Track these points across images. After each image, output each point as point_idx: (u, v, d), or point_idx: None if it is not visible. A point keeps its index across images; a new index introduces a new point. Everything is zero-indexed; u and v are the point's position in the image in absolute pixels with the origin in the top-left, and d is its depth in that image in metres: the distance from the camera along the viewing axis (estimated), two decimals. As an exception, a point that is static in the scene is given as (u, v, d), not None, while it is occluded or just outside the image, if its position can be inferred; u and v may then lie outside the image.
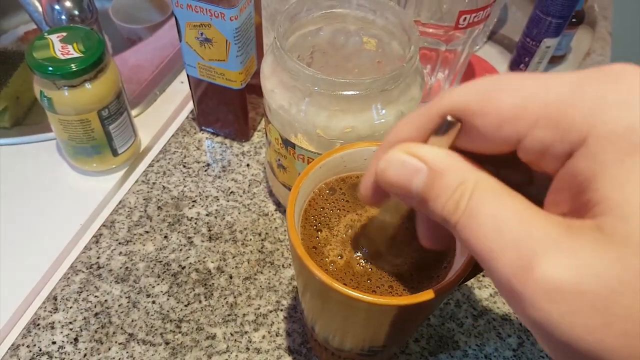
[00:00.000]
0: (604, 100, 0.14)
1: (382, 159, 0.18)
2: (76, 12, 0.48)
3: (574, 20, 0.50)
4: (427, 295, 0.21)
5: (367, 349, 0.27)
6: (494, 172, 0.16)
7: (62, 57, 0.39)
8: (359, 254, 0.24)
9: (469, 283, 0.37)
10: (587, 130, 0.14)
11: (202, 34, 0.36)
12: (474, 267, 0.22)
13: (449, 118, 0.17)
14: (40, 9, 0.50)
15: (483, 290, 0.37)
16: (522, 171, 0.18)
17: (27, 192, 0.43)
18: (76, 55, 0.39)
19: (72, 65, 0.38)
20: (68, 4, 0.47)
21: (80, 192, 0.43)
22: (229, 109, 0.42)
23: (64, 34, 0.40)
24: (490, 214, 0.15)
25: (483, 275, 0.38)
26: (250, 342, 0.34)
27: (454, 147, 0.17)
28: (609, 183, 0.13)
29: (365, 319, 0.23)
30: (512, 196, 0.15)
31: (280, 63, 0.30)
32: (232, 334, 0.34)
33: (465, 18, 0.37)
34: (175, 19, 0.36)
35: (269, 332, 0.34)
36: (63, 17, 0.47)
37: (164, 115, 0.50)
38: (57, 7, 0.47)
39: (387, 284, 0.23)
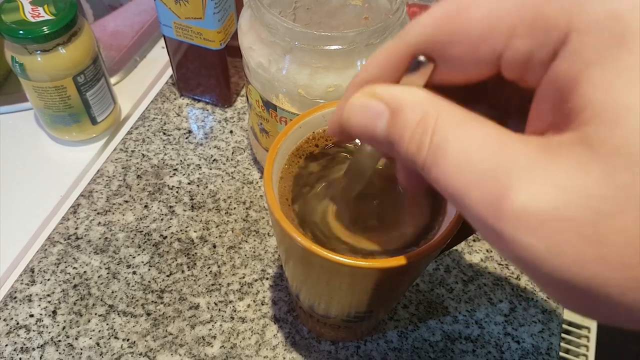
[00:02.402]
0: None
1: (346, 104, 0.16)
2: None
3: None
4: (410, 258, 0.20)
5: (353, 314, 0.26)
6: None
7: (33, 20, 0.37)
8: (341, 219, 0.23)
9: (458, 248, 0.36)
10: (567, 26, 0.12)
11: (176, -11, 0.34)
12: (463, 230, 0.21)
13: (420, 58, 0.15)
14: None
15: (474, 255, 0.36)
16: (499, 107, 0.16)
17: (5, 164, 0.42)
18: (48, 17, 0.37)
19: (44, 28, 0.36)
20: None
21: (59, 163, 0.42)
22: (209, 73, 0.40)
23: (34, -5, 0.38)
24: (456, 147, 0.13)
25: (474, 240, 0.37)
26: (235, 311, 0.33)
27: (432, 84, 0.15)
28: (592, 85, 0.11)
29: (349, 283, 0.22)
30: (480, 123, 0.13)
31: (258, 17, 0.28)
32: (216, 304, 0.33)
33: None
34: (148, -27, 0.34)
35: (254, 301, 0.33)
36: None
37: (145, 82, 0.48)
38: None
39: (371, 247, 0.22)
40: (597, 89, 0.11)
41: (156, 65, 0.49)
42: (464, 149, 0.13)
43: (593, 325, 0.69)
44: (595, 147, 0.11)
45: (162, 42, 0.52)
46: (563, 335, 0.72)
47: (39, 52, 0.37)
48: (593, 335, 0.68)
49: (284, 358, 0.31)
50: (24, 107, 0.46)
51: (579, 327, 0.68)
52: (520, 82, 0.14)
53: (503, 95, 0.15)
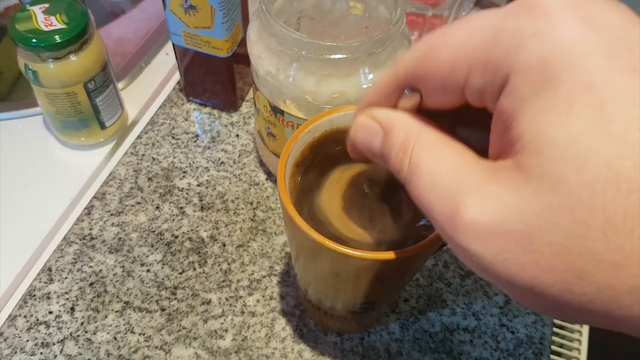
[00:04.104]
0: (522, 33, 0.14)
1: (353, 124, 0.19)
2: (57, -17, 0.46)
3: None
4: (411, 251, 0.21)
5: (359, 305, 0.28)
6: (453, 130, 0.17)
7: (46, 29, 0.38)
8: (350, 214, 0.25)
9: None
10: (508, 68, 0.14)
11: (187, 1, 0.35)
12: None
13: (406, 91, 0.18)
14: (19, -20, 0.49)
15: (470, 251, 0.38)
16: (482, 127, 0.18)
17: (16, 167, 0.43)
18: (60, 26, 0.38)
19: (56, 36, 0.38)
20: (48, -26, 0.46)
21: (69, 166, 0.43)
22: (216, 79, 0.42)
23: (47, 5, 0.39)
24: (426, 169, 0.16)
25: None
26: (245, 306, 0.34)
27: (422, 108, 0.18)
28: (525, 118, 0.13)
29: (355, 274, 0.24)
30: (449, 147, 0.16)
31: (267, 28, 0.30)
32: (227, 299, 0.35)
33: (451, -18, 0.37)
34: (159, -14, 0.35)
35: (263, 296, 0.35)
36: (44, -13, 0.46)
37: (150, 87, 0.50)
38: (36, -23, 0.46)
39: (374, 241, 0.24)
40: (528, 123, 0.13)
41: (161, 71, 0.51)
42: (432, 170, 0.15)
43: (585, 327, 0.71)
44: (526, 172, 0.13)
45: (166, 49, 0.54)
46: (556, 330, 0.74)
47: (51, 59, 0.39)
48: (585, 331, 0.70)
49: (293, 349, 0.33)
50: (32, 112, 0.48)
51: (572, 331, 0.70)
52: (487, 108, 0.16)
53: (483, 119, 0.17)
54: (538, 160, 0.13)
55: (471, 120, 0.18)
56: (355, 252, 0.21)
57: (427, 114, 0.18)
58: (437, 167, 0.15)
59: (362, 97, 0.20)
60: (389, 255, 0.21)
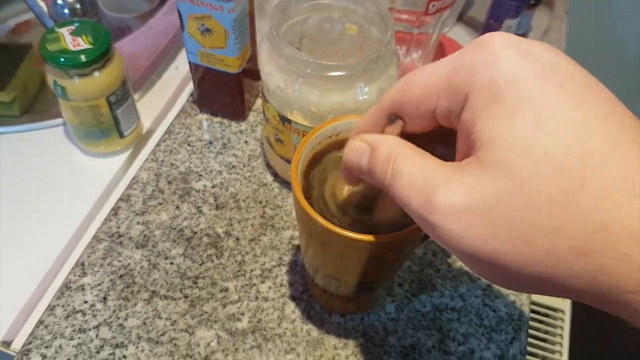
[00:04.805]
0: (475, 64, 0.18)
1: (346, 146, 0.24)
2: (78, 6, 0.51)
3: (532, 1, 0.56)
4: (402, 234, 0.26)
5: (360, 285, 0.33)
6: (428, 149, 0.21)
7: (73, 49, 0.42)
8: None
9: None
10: (467, 90, 0.18)
11: (203, 24, 0.40)
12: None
13: (392, 118, 0.23)
14: (40, 3, 0.54)
15: (456, 241, 0.43)
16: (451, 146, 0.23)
17: (42, 173, 0.47)
18: (86, 46, 0.42)
19: (83, 56, 0.42)
20: (70, -2, 0.51)
21: (90, 172, 0.48)
22: (226, 92, 0.46)
23: (73, 27, 0.44)
24: (405, 172, 0.19)
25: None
26: (259, 292, 0.39)
27: (407, 131, 0.23)
28: (482, 124, 0.17)
29: (357, 256, 0.29)
30: (423, 156, 0.20)
31: (276, 50, 0.35)
32: (242, 287, 0.39)
33: (434, 5, 0.42)
34: (178, 11, 0.40)
35: (274, 284, 0.40)
36: (66, 10, 0.51)
37: (162, 99, 0.54)
38: (59, 1, 0.50)
39: (371, 228, 0.29)
40: (484, 128, 0.17)
41: (172, 84, 0.56)
42: (410, 172, 0.19)
43: (567, 308, 0.77)
44: (485, 163, 0.17)
45: (175, 63, 0.58)
46: (541, 317, 0.79)
47: (77, 76, 0.43)
48: (567, 317, 0.76)
49: (302, 329, 0.38)
50: (53, 123, 0.52)
51: (555, 309, 0.76)
52: (450, 126, 0.21)
53: (452, 138, 0.22)
54: (493, 154, 0.17)
55: (444, 141, 0.22)
56: (357, 236, 0.26)
57: (411, 138, 0.22)
58: (414, 170, 0.19)
59: (356, 126, 0.25)
60: (385, 238, 0.26)
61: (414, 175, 0.19)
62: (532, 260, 0.16)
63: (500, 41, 0.18)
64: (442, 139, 0.22)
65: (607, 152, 0.16)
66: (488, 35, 0.19)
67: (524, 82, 0.17)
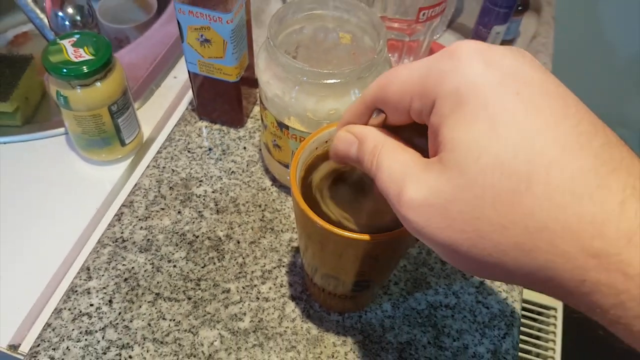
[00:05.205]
0: (443, 71, 0.19)
1: (334, 137, 0.26)
2: (78, 18, 0.53)
3: (520, 7, 0.58)
4: (396, 233, 0.28)
5: (357, 283, 0.34)
6: (409, 139, 0.23)
7: (75, 60, 0.44)
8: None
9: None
10: (435, 95, 0.20)
11: (202, 35, 0.42)
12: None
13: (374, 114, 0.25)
14: (41, 15, 0.55)
15: (449, 240, 0.44)
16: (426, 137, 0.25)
17: (44, 181, 0.48)
18: (88, 57, 0.44)
19: (85, 67, 0.43)
20: (70, 10, 0.52)
21: (91, 179, 0.49)
22: (225, 100, 0.48)
23: (74, 39, 0.45)
24: (386, 166, 0.22)
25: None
26: (260, 293, 0.40)
27: (388, 124, 0.25)
28: (445, 129, 0.19)
29: (354, 254, 0.30)
30: (403, 151, 0.22)
31: (274, 59, 0.36)
32: (243, 288, 0.40)
33: (424, 13, 0.44)
34: (178, 23, 0.42)
35: (274, 284, 0.41)
36: (66, 22, 0.52)
37: (162, 107, 0.55)
38: (60, 14, 0.52)
39: (367, 229, 0.30)
40: (447, 132, 0.19)
41: (171, 92, 0.57)
42: (390, 166, 0.21)
43: (559, 305, 0.78)
44: (445, 164, 0.19)
45: (174, 73, 0.60)
46: (534, 315, 0.81)
47: (79, 86, 0.44)
48: (560, 315, 0.78)
49: (302, 328, 0.39)
50: (55, 133, 0.53)
51: (548, 307, 0.78)
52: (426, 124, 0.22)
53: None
54: (452, 156, 0.19)
55: (421, 132, 0.24)
56: (355, 235, 0.28)
57: (393, 129, 0.24)
58: (393, 164, 0.21)
59: (341, 117, 0.26)
60: (381, 236, 0.28)
61: (392, 169, 0.21)
62: (483, 251, 0.18)
63: (467, 50, 0.20)
64: (423, 130, 0.24)
65: (554, 156, 0.17)
66: (457, 43, 0.20)
67: (483, 90, 0.18)
